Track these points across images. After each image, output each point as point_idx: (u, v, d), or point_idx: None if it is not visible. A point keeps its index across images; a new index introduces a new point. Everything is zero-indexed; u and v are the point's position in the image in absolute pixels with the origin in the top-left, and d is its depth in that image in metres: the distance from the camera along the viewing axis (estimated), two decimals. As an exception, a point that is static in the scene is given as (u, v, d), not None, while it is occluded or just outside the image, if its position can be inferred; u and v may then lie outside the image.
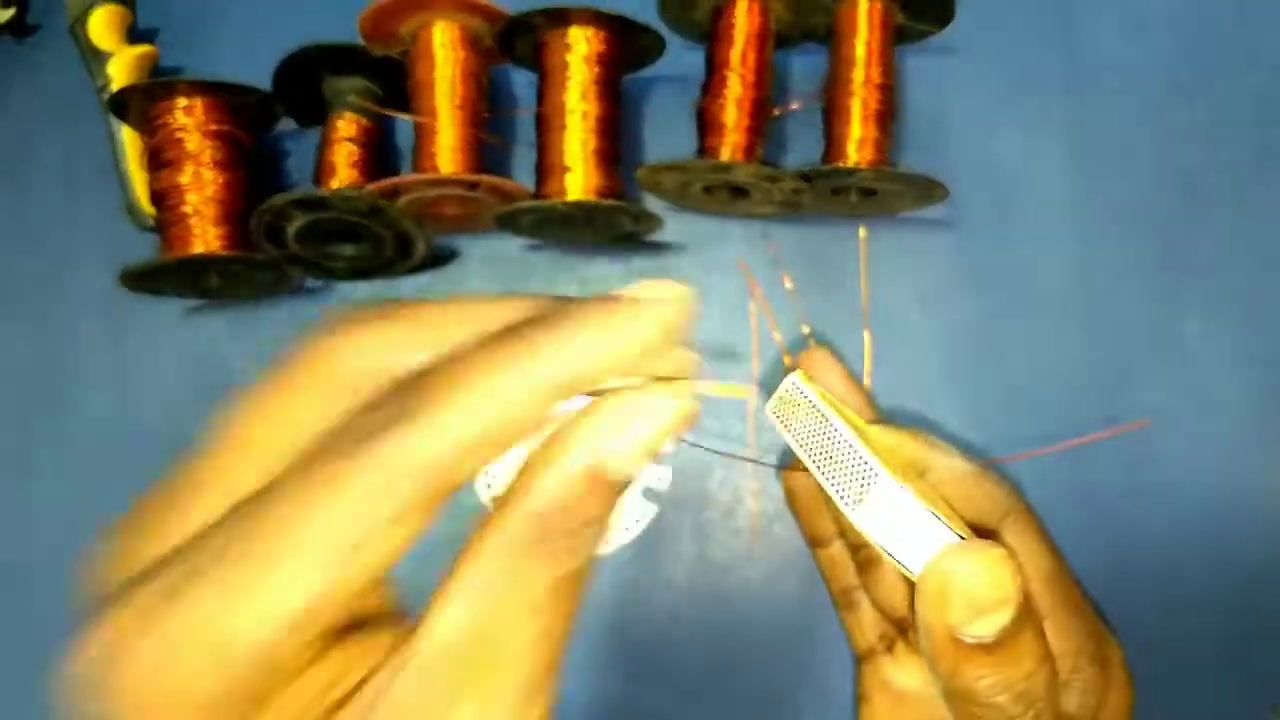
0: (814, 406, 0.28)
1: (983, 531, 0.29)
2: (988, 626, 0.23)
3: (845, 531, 0.33)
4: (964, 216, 0.52)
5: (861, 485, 0.26)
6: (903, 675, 0.33)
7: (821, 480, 0.26)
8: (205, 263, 0.49)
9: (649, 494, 0.54)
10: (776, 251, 0.53)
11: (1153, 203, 0.53)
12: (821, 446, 0.27)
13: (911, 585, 0.28)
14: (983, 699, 0.24)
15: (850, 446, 0.26)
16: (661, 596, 0.51)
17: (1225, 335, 0.51)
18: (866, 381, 0.52)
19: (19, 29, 0.57)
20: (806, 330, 0.52)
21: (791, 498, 0.35)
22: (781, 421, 0.29)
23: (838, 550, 0.34)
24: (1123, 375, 0.51)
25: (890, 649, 0.34)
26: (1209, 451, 0.50)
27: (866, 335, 0.52)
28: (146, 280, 0.50)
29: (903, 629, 0.33)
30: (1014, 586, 0.23)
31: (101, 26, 0.52)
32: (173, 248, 0.48)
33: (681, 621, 0.50)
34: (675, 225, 0.52)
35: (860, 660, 0.35)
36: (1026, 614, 0.24)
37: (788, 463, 0.35)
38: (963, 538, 0.24)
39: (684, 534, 0.51)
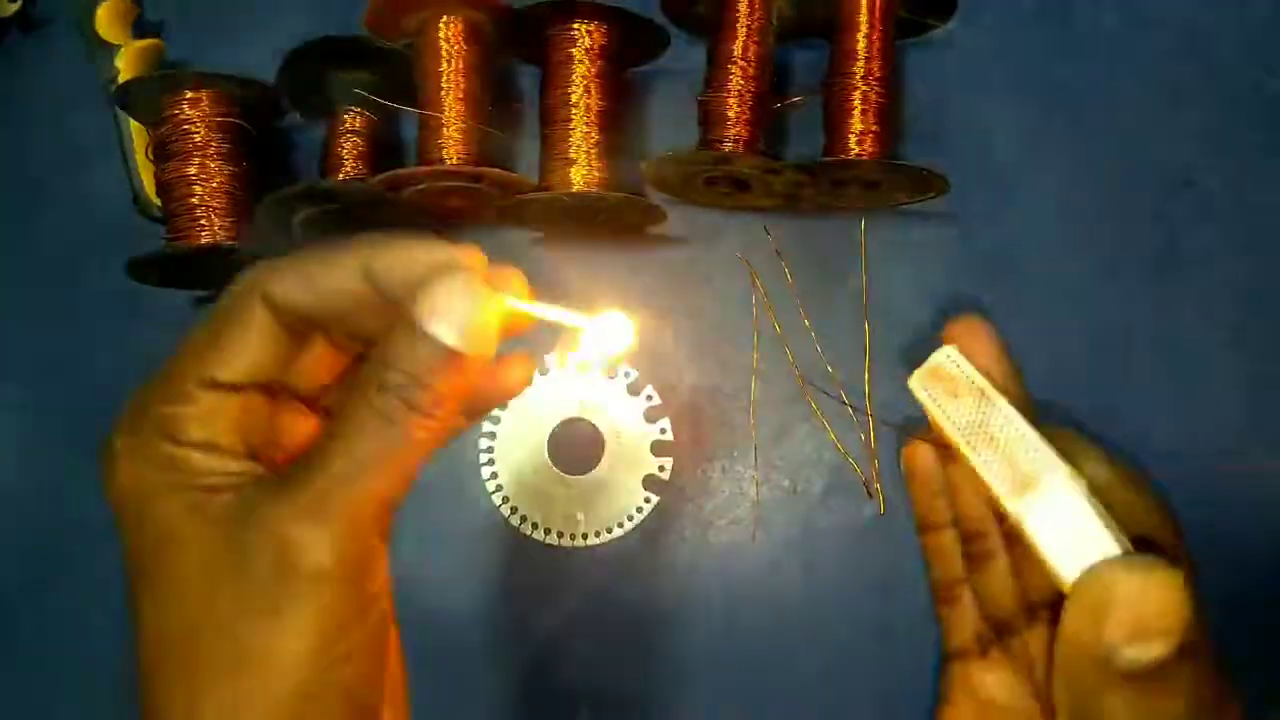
0: (973, 384, 0.26)
1: (1146, 546, 0.26)
2: (1145, 653, 0.21)
3: (963, 521, 0.31)
4: (964, 209, 0.53)
5: (1030, 476, 0.24)
6: (993, 682, 0.31)
7: (978, 463, 0.25)
8: (212, 253, 0.49)
9: (651, 483, 0.55)
10: (777, 244, 0.53)
11: (1151, 196, 0.53)
12: (982, 428, 0.25)
13: (1053, 595, 0.26)
14: None
15: (1021, 433, 0.25)
16: (663, 583, 0.51)
17: (1222, 328, 0.52)
18: (865, 375, 0.52)
19: (26, 22, 0.57)
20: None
21: (910, 475, 0.32)
22: (930, 395, 0.27)
23: (949, 539, 0.32)
24: (1120, 367, 0.52)
25: (984, 653, 0.31)
26: (1205, 444, 0.51)
27: (866, 327, 0.52)
28: (153, 271, 0.50)
29: (1003, 633, 0.31)
30: (1183, 614, 0.21)
31: (108, 19, 0.52)
32: (180, 238, 0.49)
33: (682, 608, 0.51)
34: (678, 217, 0.52)
35: (949, 659, 0.32)
36: (1191, 650, 0.21)
37: (915, 432, 0.33)
38: (1129, 552, 0.22)
39: (685, 522, 0.51)
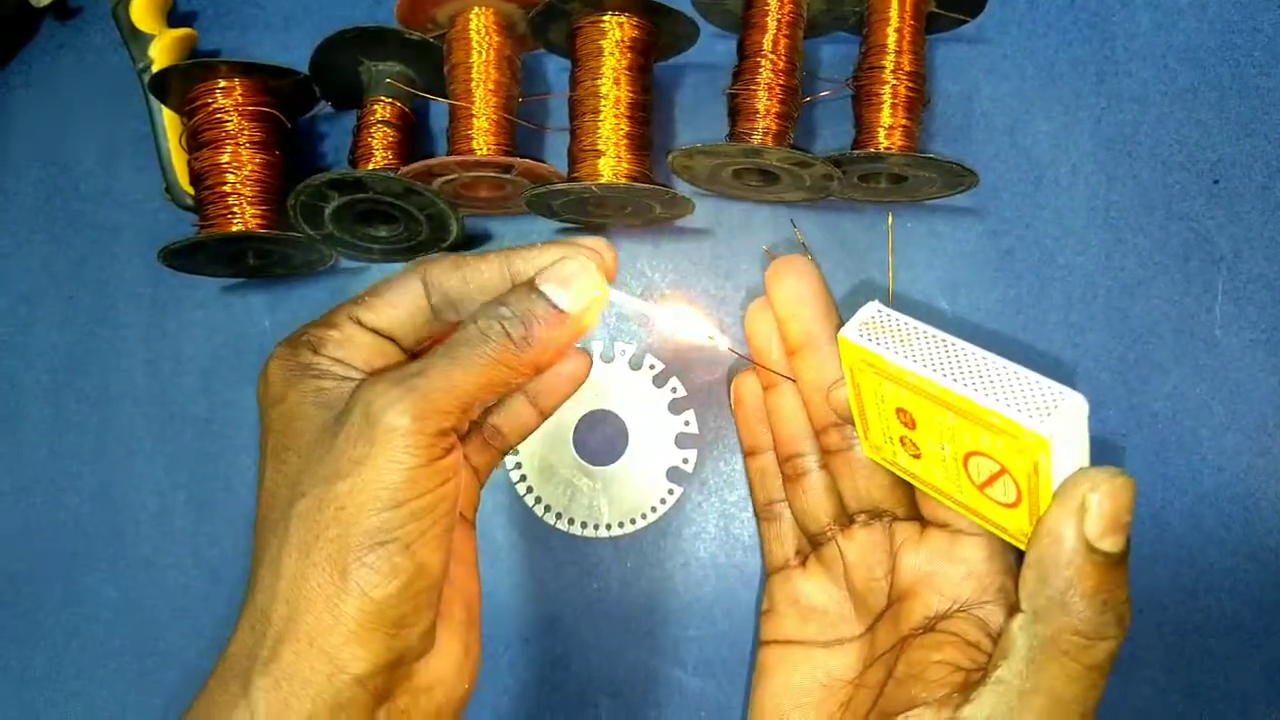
0: (920, 330, 0.28)
1: None
2: (1116, 544, 0.25)
3: (782, 443, 0.34)
4: (992, 204, 0.53)
5: (1043, 401, 0.26)
6: (812, 589, 0.35)
7: (971, 395, 0.26)
8: (243, 241, 0.50)
9: (674, 475, 0.56)
10: (804, 237, 0.53)
11: (1181, 193, 0.53)
12: (958, 366, 0.27)
13: (869, 504, 0.31)
14: (1091, 610, 0.26)
15: (1001, 365, 0.27)
16: (685, 575, 0.51)
17: (1251, 325, 0.52)
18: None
19: (61, 11, 0.58)
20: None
21: (738, 404, 0.36)
22: (877, 343, 0.28)
23: (769, 461, 0.36)
24: (1149, 364, 0.52)
25: (803, 564, 0.35)
26: (1233, 440, 0.51)
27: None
28: (185, 258, 0.51)
29: (817, 544, 0.34)
30: (1132, 513, 0.26)
31: (143, 9, 0.53)
32: (211, 226, 0.49)
33: (704, 600, 0.51)
34: (704, 210, 0.53)
35: (772, 573, 0.36)
36: (1130, 545, 0.26)
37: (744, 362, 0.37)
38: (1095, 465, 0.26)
39: (709, 515, 0.52)
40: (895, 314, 0.29)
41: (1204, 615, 0.50)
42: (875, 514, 0.34)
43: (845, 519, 0.34)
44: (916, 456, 0.30)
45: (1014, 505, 0.28)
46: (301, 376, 0.30)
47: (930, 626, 0.32)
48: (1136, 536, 0.50)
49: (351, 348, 0.31)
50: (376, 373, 0.31)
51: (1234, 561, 0.50)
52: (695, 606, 0.51)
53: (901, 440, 0.30)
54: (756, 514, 0.36)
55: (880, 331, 0.29)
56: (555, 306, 0.30)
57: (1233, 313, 0.52)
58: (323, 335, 0.31)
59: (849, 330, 0.29)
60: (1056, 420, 0.25)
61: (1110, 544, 0.26)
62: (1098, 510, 0.25)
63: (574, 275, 0.30)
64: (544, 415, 0.36)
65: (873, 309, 0.29)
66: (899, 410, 0.29)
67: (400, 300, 0.32)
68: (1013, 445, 0.26)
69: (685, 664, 0.51)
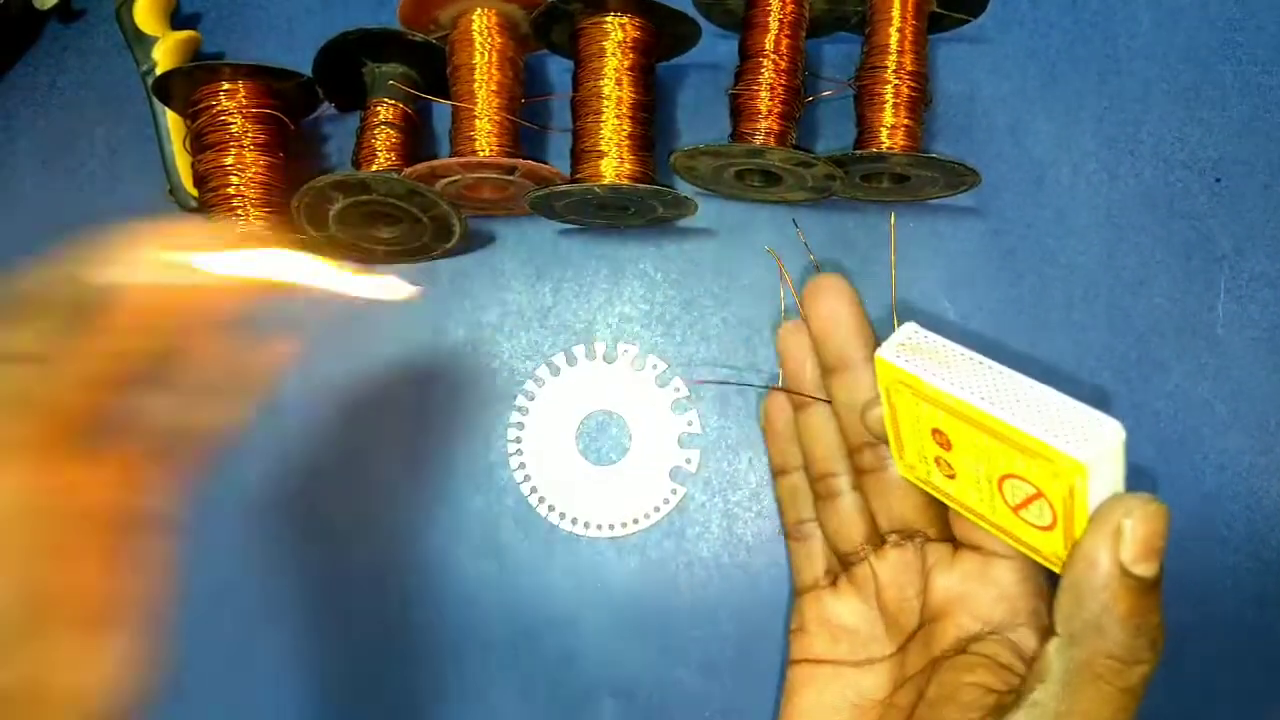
0: (959, 353, 0.28)
1: None
2: (1149, 570, 0.26)
3: (815, 464, 0.34)
4: (994, 204, 0.53)
5: (1084, 428, 0.26)
6: (844, 610, 0.34)
7: (1010, 419, 0.26)
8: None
9: (677, 475, 0.56)
10: (806, 237, 0.53)
11: (1183, 191, 0.53)
12: (998, 390, 0.27)
13: (901, 524, 0.31)
14: (1126, 634, 0.26)
15: (1041, 391, 0.27)
16: (688, 575, 0.51)
17: (1253, 323, 0.52)
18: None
19: (65, 14, 0.58)
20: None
21: (770, 425, 0.36)
22: (914, 365, 0.29)
23: (799, 480, 0.35)
24: (1151, 362, 0.52)
25: (834, 584, 0.35)
26: (1236, 439, 0.51)
27: (894, 321, 0.52)
28: (190, 260, 0.51)
29: (848, 564, 0.34)
30: (1167, 539, 0.26)
31: (146, 11, 0.53)
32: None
33: (707, 600, 0.51)
34: (707, 210, 0.53)
35: (801, 592, 0.36)
36: (1163, 572, 0.27)
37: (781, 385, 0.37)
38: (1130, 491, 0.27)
39: (712, 515, 0.52)
40: (933, 335, 0.29)
41: (1206, 614, 0.50)
42: (908, 534, 0.33)
43: (877, 539, 0.34)
44: (951, 477, 0.30)
45: (1049, 529, 0.28)
46: None
47: (962, 649, 0.32)
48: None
49: None
50: None
51: (1236, 560, 0.50)
52: (698, 607, 0.51)
53: (936, 460, 0.30)
54: (786, 533, 0.36)
55: (917, 353, 0.29)
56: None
57: (1235, 311, 0.52)
58: None
59: (886, 351, 0.29)
60: (1094, 447, 0.26)
61: (1144, 569, 0.26)
62: (1132, 536, 0.26)
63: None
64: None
65: (910, 329, 0.30)
66: (935, 431, 0.29)
67: None
68: (1049, 470, 0.26)
69: (689, 664, 0.51)
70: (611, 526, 0.52)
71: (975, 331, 0.52)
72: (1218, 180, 0.53)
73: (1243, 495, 0.51)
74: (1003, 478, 0.28)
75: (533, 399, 0.53)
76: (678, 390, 0.53)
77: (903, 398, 0.29)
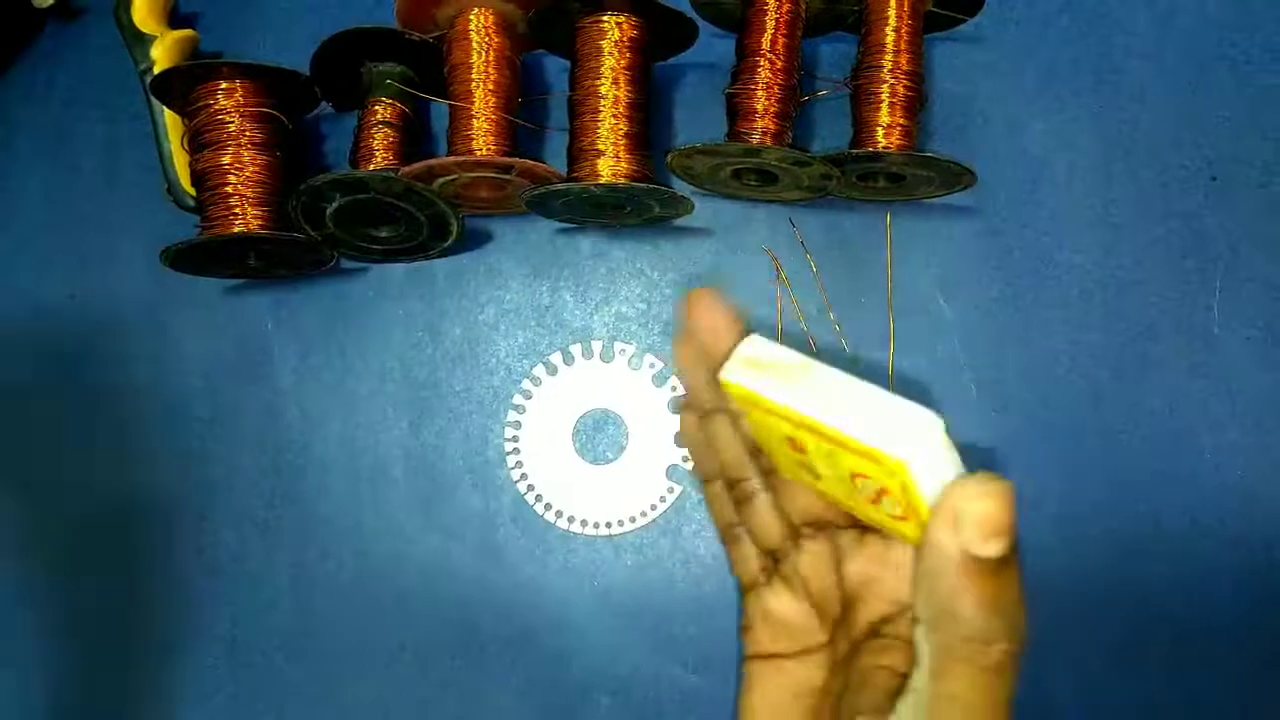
0: (793, 363, 0.29)
1: None
2: (993, 548, 0.26)
3: (726, 469, 0.35)
4: (990, 203, 0.53)
5: (902, 424, 0.27)
6: (779, 605, 0.35)
7: (840, 425, 0.27)
8: (245, 242, 0.50)
9: (674, 473, 0.56)
10: (803, 235, 0.53)
11: (1178, 191, 0.53)
12: (826, 396, 0.28)
13: (811, 515, 0.32)
14: (980, 616, 0.27)
15: (866, 390, 0.28)
16: (684, 572, 0.52)
17: (1249, 322, 0.52)
18: (890, 365, 0.52)
19: (65, 13, 0.58)
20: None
21: (685, 437, 0.37)
22: (754, 381, 0.29)
23: (720, 487, 0.36)
24: (1147, 361, 0.52)
25: (769, 581, 0.35)
26: (1231, 436, 0.51)
27: (891, 319, 0.52)
28: (187, 259, 0.51)
29: (777, 560, 0.35)
30: (1012, 517, 0.26)
31: (145, 10, 0.53)
32: (213, 227, 0.49)
33: (704, 597, 0.51)
34: (703, 209, 0.53)
35: (745, 591, 0.37)
36: (1016, 549, 0.27)
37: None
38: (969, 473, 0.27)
39: (707, 512, 0.52)
40: (773, 346, 0.30)
41: (1201, 610, 0.50)
42: (819, 525, 0.35)
43: (795, 534, 0.35)
44: (817, 477, 0.31)
45: (904, 519, 0.29)
46: None
47: (875, 631, 0.32)
48: (1134, 532, 0.51)
49: None
50: None
51: (1232, 558, 0.50)
52: (695, 604, 0.51)
53: (799, 464, 0.31)
54: (721, 538, 0.37)
55: (756, 367, 0.29)
56: None
57: (1230, 310, 0.52)
58: None
59: (728, 371, 0.30)
60: (912, 442, 0.26)
61: (991, 549, 0.26)
62: (970, 519, 0.26)
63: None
64: None
65: (750, 344, 0.30)
66: (788, 439, 0.30)
67: None
68: (882, 469, 0.27)
69: (685, 661, 0.51)
70: (608, 524, 0.52)
71: (971, 329, 0.52)
72: (1213, 179, 0.53)
73: (1239, 493, 0.51)
74: (853, 475, 0.29)
75: (530, 398, 0.53)
76: (674, 389, 0.53)
77: (755, 412, 0.31)
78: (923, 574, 0.27)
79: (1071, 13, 0.55)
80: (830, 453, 0.29)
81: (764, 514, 0.35)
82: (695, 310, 0.33)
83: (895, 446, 0.26)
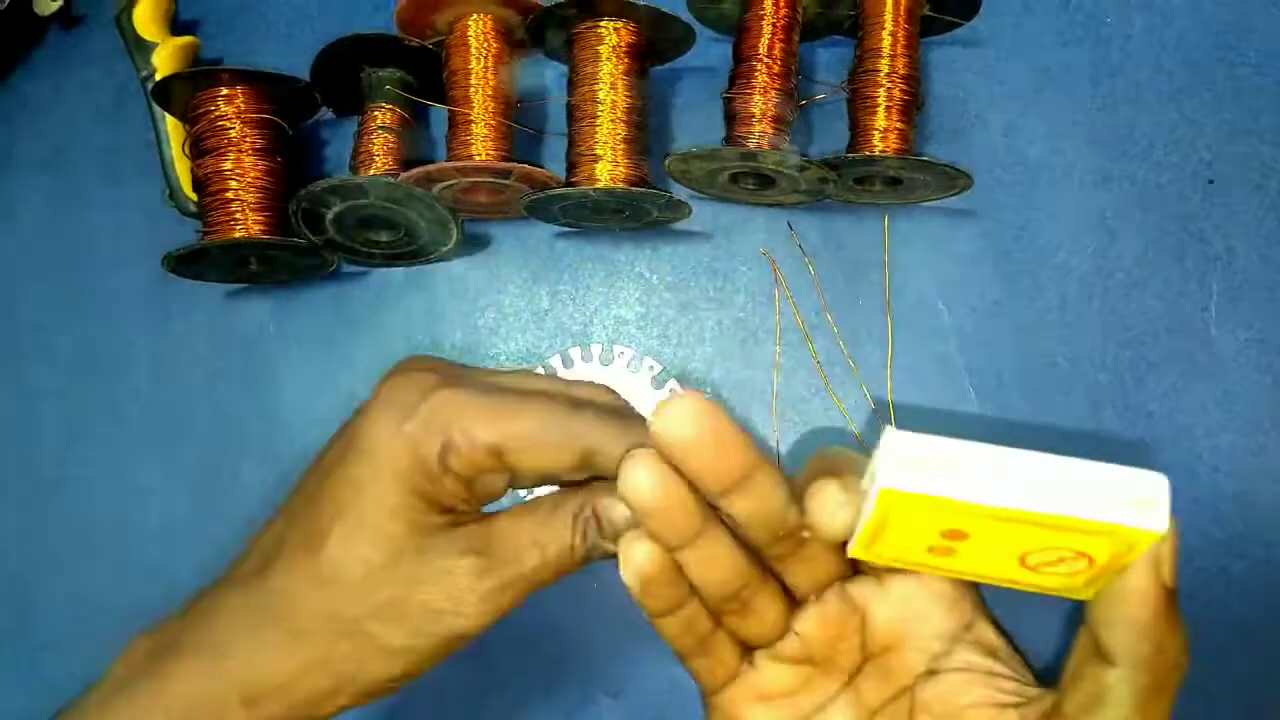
0: (971, 451, 0.26)
1: None
2: (1174, 576, 0.28)
3: (712, 589, 0.30)
4: (987, 206, 0.53)
5: (1136, 492, 0.27)
6: (772, 680, 0.32)
7: (1072, 511, 0.26)
8: (246, 248, 0.50)
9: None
10: (801, 239, 0.53)
11: (1175, 193, 0.53)
12: (1033, 481, 0.27)
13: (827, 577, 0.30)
14: (1178, 645, 0.28)
15: (1082, 467, 0.27)
16: (685, 576, 0.52)
17: (1246, 324, 0.52)
18: (888, 369, 0.52)
19: (66, 20, 0.58)
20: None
21: (643, 584, 0.31)
22: (926, 483, 0.26)
23: (692, 609, 0.31)
24: (1144, 363, 0.52)
25: (753, 664, 0.32)
26: (1229, 438, 0.51)
27: (889, 322, 0.53)
28: (189, 264, 0.51)
29: (768, 644, 0.32)
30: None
31: (146, 17, 0.53)
32: (214, 233, 0.50)
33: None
34: (702, 213, 0.53)
35: (715, 692, 0.33)
36: None
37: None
38: None
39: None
40: (921, 436, 0.26)
41: (1199, 614, 0.50)
42: (826, 584, 0.32)
43: (794, 608, 0.32)
44: (948, 553, 0.28)
45: (1078, 575, 0.28)
46: (415, 481, 0.29)
47: (934, 669, 0.31)
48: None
49: (475, 471, 0.30)
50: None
51: (1229, 560, 0.50)
52: (695, 606, 0.51)
53: (930, 549, 0.28)
54: (681, 657, 0.33)
55: (924, 467, 0.25)
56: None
57: (1228, 312, 0.52)
58: (453, 444, 0.29)
59: (891, 479, 0.25)
60: (1161, 509, 0.26)
61: (1174, 581, 0.28)
62: (1168, 556, 0.28)
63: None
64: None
65: (894, 442, 0.26)
66: (947, 532, 0.27)
67: (554, 462, 0.30)
68: (1110, 541, 0.26)
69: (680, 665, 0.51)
70: (608, 527, 0.52)
71: (969, 332, 0.52)
72: (1210, 182, 0.53)
73: (1236, 495, 0.51)
74: (1030, 551, 0.27)
75: (529, 401, 0.53)
76: (674, 392, 0.53)
77: (904, 513, 0.26)
78: (1123, 621, 0.28)
79: (1068, 16, 0.55)
80: (1014, 534, 0.26)
81: (766, 610, 0.31)
82: (689, 421, 0.26)
83: (1149, 519, 0.26)
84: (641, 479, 0.26)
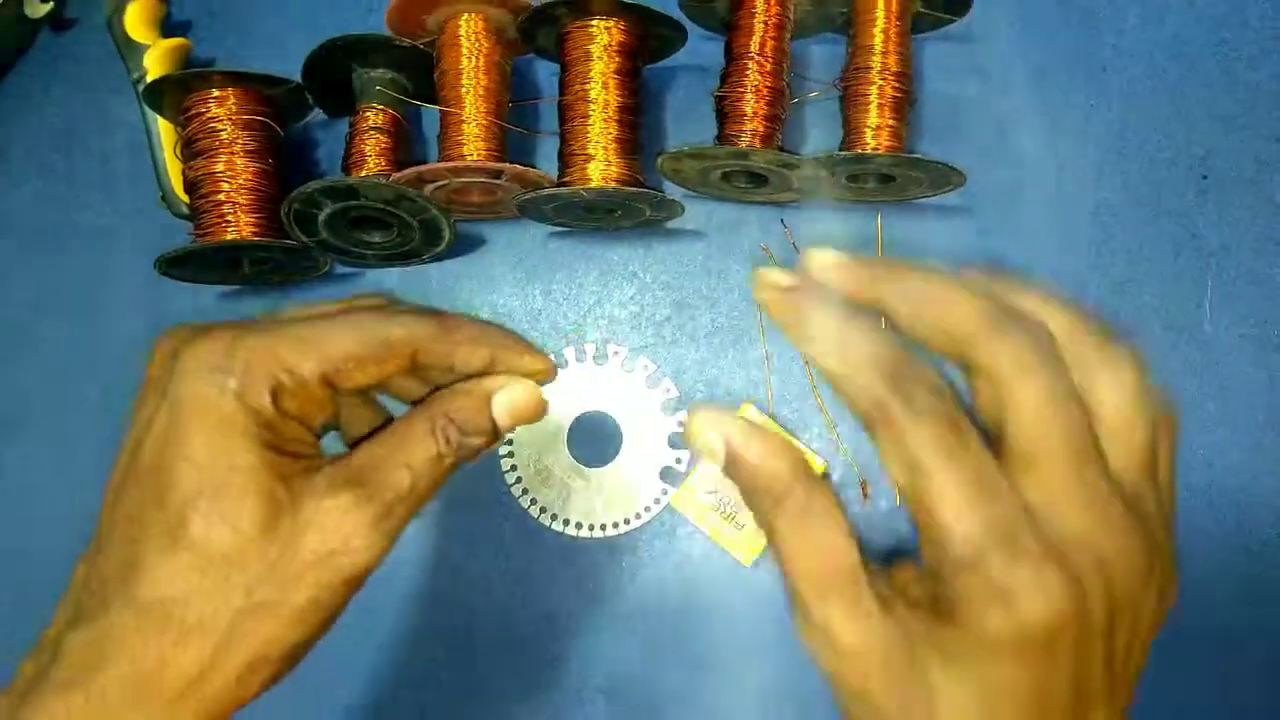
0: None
1: None
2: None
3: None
4: (980, 203, 0.53)
5: None
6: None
7: None
8: (238, 249, 0.50)
9: (668, 475, 0.56)
10: (794, 237, 0.53)
11: (1169, 189, 0.53)
12: None
13: None
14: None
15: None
16: (678, 574, 0.52)
17: (1240, 320, 0.52)
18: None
19: (58, 23, 0.58)
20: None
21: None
22: None
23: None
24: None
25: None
26: (1224, 435, 0.51)
27: (882, 321, 0.52)
28: (182, 267, 0.51)
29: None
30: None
31: (137, 19, 0.53)
32: (207, 235, 0.50)
33: (697, 599, 0.51)
34: (695, 211, 0.53)
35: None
36: None
37: None
38: None
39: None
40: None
41: (1194, 611, 0.50)
42: None
43: None
44: None
45: None
46: (246, 425, 0.29)
47: None
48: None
49: (311, 407, 0.30)
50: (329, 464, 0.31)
51: (1225, 556, 0.50)
52: (689, 606, 0.51)
53: None
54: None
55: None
56: (497, 430, 0.32)
57: (1222, 308, 0.52)
58: (283, 385, 0.29)
59: None
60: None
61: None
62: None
63: (525, 409, 0.33)
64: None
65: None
66: None
67: (383, 370, 0.31)
68: None
69: (680, 663, 0.51)
70: (603, 527, 0.52)
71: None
72: (1205, 177, 0.53)
73: (1231, 491, 0.51)
74: None
75: (523, 401, 0.53)
76: (668, 391, 0.53)
77: None
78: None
79: (1062, 12, 0.55)
80: None
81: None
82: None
83: None
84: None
